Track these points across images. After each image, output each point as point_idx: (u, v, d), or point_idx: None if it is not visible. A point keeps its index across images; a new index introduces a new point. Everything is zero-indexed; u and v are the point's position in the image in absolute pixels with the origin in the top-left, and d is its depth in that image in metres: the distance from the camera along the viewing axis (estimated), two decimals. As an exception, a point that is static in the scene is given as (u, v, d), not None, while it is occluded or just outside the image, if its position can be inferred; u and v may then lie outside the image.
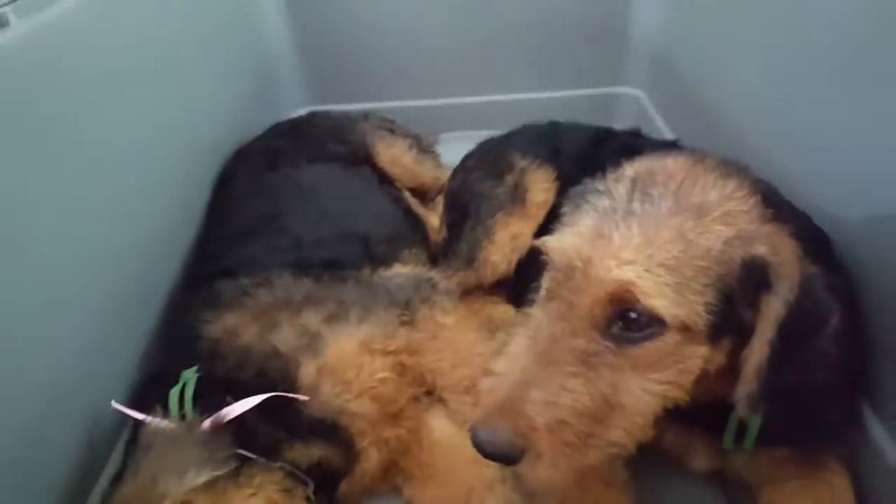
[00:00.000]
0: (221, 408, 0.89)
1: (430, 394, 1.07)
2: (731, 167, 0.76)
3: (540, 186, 1.26)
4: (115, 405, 0.90)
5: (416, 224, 1.39)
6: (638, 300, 0.65)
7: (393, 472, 1.02)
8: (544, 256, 0.76)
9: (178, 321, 1.09)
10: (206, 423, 0.87)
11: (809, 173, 1.07)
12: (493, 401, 0.69)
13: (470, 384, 1.02)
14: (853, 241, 0.95)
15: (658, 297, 0.65)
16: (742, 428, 0.85)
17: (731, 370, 0.73)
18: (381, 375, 0.98)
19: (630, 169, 0.77)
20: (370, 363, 0.97)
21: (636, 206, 0.70)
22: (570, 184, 1.25)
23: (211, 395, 0.91)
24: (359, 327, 1.00)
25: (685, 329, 0.67)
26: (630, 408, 0.69)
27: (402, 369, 1.02)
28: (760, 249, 0.68)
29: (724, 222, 0.69)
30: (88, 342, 0.97)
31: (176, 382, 0.92)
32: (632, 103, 1.89)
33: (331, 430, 0.94)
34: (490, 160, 1.35)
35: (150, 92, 1.21)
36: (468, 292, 1.32)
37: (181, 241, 1.27)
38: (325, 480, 0.94)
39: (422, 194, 1.60)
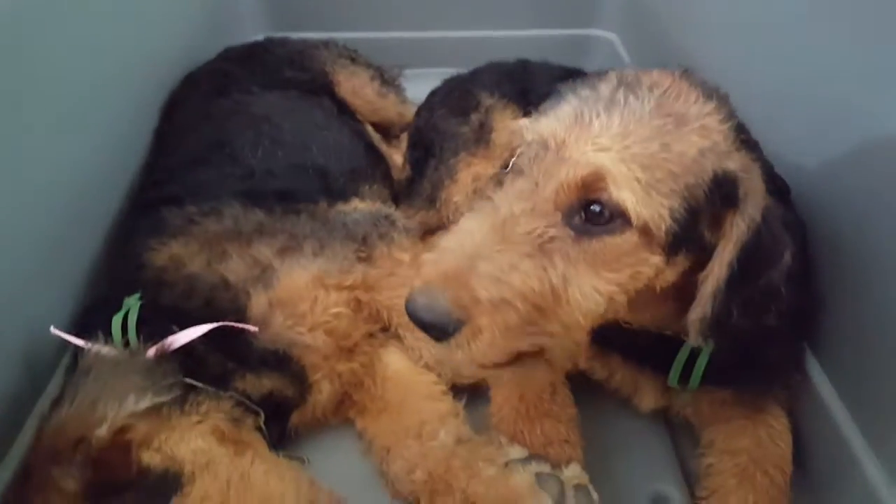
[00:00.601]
0: (166, 336, 0.86)
1: (386, 330, 1.06)
2: (714, 91, 0.75)
3: (506, 126, 1.23)
4: (55, 331, 0.86)
5: (378, 160, 1.35)
6: (607, 189, 0.64)
7: (346, 405, 1.01)
8: (517, 137, 0.74)
9: (122, 248, 1.04)
10: (151, 351, 0.85)
11: (777, 121, 1.07)
12: (437, 269, 0.65)
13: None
14: (809, 190, 0.96)
15: (627, 190, 0.63)
16: (688, 368, 0.87)
17: (680, 299, 0.73)
18: (335, 310, 0.96)
19: (615, 73, 0.74)
20: (324, 298, 0.95)
21: (619, 97, 0.68)
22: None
23: (155, 324, 0.88)
24: (313, 261, 0.97)
25: (646, 231, 0.66)
26: (575, 304, 0.67)
27: (357, 305, 1.00)
28: (732, 165, 0.68)
29: (701, 134, 0.68)
30: (28, 265, 0.92)
31: (119, 309, 0.89)
32: (604, 46, 1.86)
33: (283, 362, 0.93)
34: (456, 97, 1.31)
35: (96, 9, 1.12)
36: (430, 233, 1.31)
37: (128, 166, 1.20)
38: (276, 411, 0.93)
39: (385, 130, 1.54)
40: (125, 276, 0.96)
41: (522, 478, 0.85)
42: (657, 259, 0.68)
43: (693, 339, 0.71)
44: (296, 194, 1.08)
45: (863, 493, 0.85)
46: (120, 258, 1.03)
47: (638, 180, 0.64)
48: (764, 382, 0.94)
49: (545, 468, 0.87)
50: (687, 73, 0.74)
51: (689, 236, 0.68)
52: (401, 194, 1.33)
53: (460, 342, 0.65)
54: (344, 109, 1.42)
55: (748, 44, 1.18)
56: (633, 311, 0.74)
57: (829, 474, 0.92)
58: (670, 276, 0.72)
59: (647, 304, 0.74)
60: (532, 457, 0.89)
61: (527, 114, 1.23)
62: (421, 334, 1.03)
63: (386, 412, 0.98)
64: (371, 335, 1.03)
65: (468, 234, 0.67)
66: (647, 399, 0.95)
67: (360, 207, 1.11)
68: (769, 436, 0.92)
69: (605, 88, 0.70)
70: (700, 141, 0.67)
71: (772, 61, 1.11)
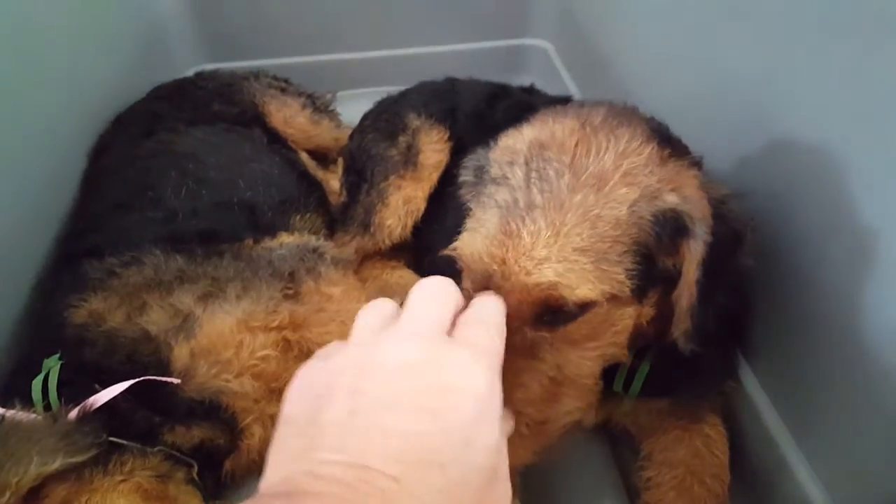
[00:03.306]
0: (88, 396, 0.85)
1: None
2: (619, 116, 0.74)
3: (432, 147, 1.23)
4: (-33, 402, 0.85)
5: (312, 187, 1.34)
6: (563, 295, 0.64)
7: (281, 447, 1.00)
8: (459, 263, 0.73)
9: (44, 306, 1.03)
10: (73, 413, 0.83)
11: (697, 125, 1.07)
12: None
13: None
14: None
15: (583, 286, 0.64)
16: (628, 376, 0.86)
17: (660, 317, 0.75)
18: (262, 353, 0.95)
19: (521, 142, 0.73)
20: (250, 341, 0.94)
21: (535, 194, 0.67)
22: (465, 143, 1.24)
23: (77, 384, 0.87)
24: (237, 305, 0.96)
25: (613, 298, 0.67)
26: (577, 376, 0.70)
27: (286, 345, 0.99)
28: (669, 200, 0.68)
29: (626, 183, 0.67)
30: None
31: (40, 372, 0.88)
32: (540, 56, 1.85)
33: (211, 411, 0.92)
34: (384, 120, 1.31)
35: (21, 50, 1.11)
36: (368, 257, 1.30)
37: (53, 218, 1.18)
38: (209, 460, 0.92)
39: (322, 156, 1.54)
40: (46, 337, 0.95)
41: None
42: (631, 310, 0.70)
43: (683, 349, 0.73)
44: (220, 234, 1.07)
45: (796, 497, 0.86)
46: (42, 318, 1.01)
47: (586, 269, 0.64)
48: (700, 390, 0.94)
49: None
50: (586, 115, 0.73)
51: (653, 276, 0.69)
52: (337, 220, 1.32)
53: None
54: (276, 139, 1.41)
55: (670, 49, 1.19)
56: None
57: (764, 479, 0.93)
58: (649, 311, 0.73)
59: (636, 336, 0.76)
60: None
61: (452, 136, 1.25)
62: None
63: (323, 450, 0.97)
64: (304, 373, 1.02)
65: None
66: (589, 414, 0.96)
67: (287, 242, 1.10)
68: (706, 445, 0.92)
69: (517, 179, 0.69)
70: (628, 192, 0.66)
71: (691, 65, 1.12)
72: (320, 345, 1.01)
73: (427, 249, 1.27)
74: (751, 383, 0.96)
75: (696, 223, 0.67)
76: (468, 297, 0.71)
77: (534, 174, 0.68)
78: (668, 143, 0.72)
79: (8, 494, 0.70)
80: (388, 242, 1.25)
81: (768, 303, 0.92)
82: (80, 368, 0.89)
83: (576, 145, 0.69)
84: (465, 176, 0.83)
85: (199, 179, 1.15)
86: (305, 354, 1.02)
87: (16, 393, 0.85)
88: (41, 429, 0.81)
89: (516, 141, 0.74)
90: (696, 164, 0.74)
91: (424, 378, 0.48)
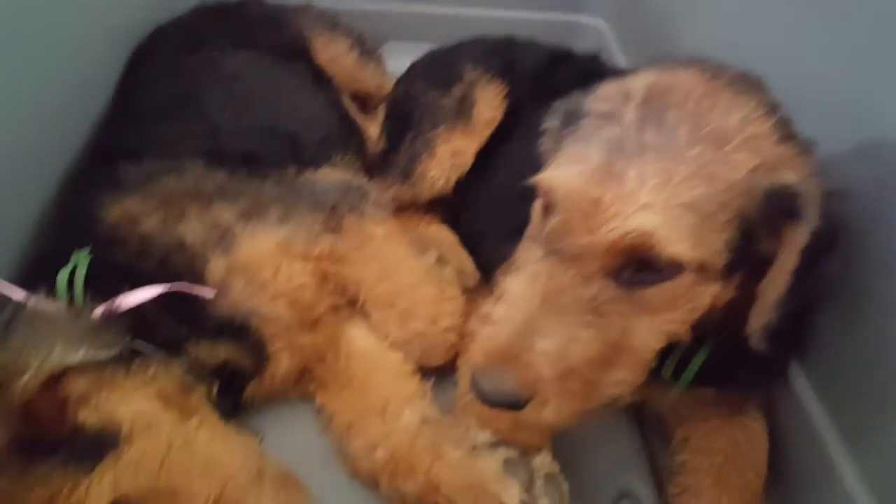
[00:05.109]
0: (115, 295, 0.81)
1: (353, 305, 1.01)
2: (747, 82, 0.70)
3: (489, 102, 1.18)
4: (-9, 281, 0.80)
5: (352, 130, 1.30)
6: (658, 248, 0.60)
7: (306, 379, 0.96)
8: (544, 193, 0.69)
9: (74, 200, 0.98)
10: (98, 311, 0.79)
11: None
12: (494, 348, 0.64)
13: (393, 298, 0.97)
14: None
15: (678, 243, 0.60)
16: (681, 363, 0.82)
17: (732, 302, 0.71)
18: (299, 281, 0.91)
19: (639, 82, 0.69)
20: (288, 266, 0.90)
21: (650, 136, 0.62)
22: (522, 104, 1.20)
23: (106, 282, 0.82)
24: (278, 227, 0.92)
25: (703, 268, 0.63)
26: (638, 348, 0.67)
27: (323, 277, 0.95)
28: (787, 177, 0.63)
29: (748, 149, 0.62)
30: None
31: (67, 264, 0.83)
32: (592, 33, 1.81)
33: (240, 331, 0.88)
34: (438, 69, 1.26)
35: None
36: (403, 208, 1.26)
37: (85, 118, 1.12)
38: (231, 381, 0.88)
39: (363, 102, 1.49)
40: (76, 230, 0.90)
41: (489, 463, 0.82)
42: (714, 288, 0.66)
43: (756, 345, 0.69)
44: (263, 158, 1.02)
45: (839, 500, 0.82)
46: (71, 210, 0.96)
47: (688, 226, 0.60)
48: (750, 383, 0.91)
49: (514, 455, 0.84)
50: (715, 70, 0.69)
51: (746, 256, 0.65)
52: (375, 168, 1.28)
53: (528, 413, 0.65)
54: (321, 77, 1.36)
55: (742, 33, 1.15)
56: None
57: (805, 478, 0.90)
58: (728, 294, 0.69)
59: (705, 319, 0.72)
60: (500, 443, 0.86)
61: (509, 92, 1.20)
62: (389, 311, 1.00)
63: (349, 389, 0.93)
64: (336, 308, 0.98)
65: (517, 307, 0.65)
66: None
67: (331, 176, 1.06)
68: (746, 438, 0.90)
69: (630, 117, 0.64)
70: (748, 159, 0.62)
71: (767, 52, 1.07)
72: (357, 283, 0.98)
73: (465, 207, 1.23)
74: (799, 381, 0.92)
75: (809, 208, 0.63)
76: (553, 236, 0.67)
77: (650, 116, 0.63)
78: (786, 125, 0.68)
79: (28, 375, 0.66)
80: (427, 194, 1.21)
81: (829, 302, 0.87)
82: (110, 267, 0.84)
83: (701, 96, 0.65)
84: (551, 122, 0.78)
85: (244, 101, 1.11)
86: (341, 290, 0.98)
87: (40, 280, 0.81)
88: (64, 322, 0.76)
89: (631, 82, 0.69)
90: (808, 150, 0.69)
91: None
